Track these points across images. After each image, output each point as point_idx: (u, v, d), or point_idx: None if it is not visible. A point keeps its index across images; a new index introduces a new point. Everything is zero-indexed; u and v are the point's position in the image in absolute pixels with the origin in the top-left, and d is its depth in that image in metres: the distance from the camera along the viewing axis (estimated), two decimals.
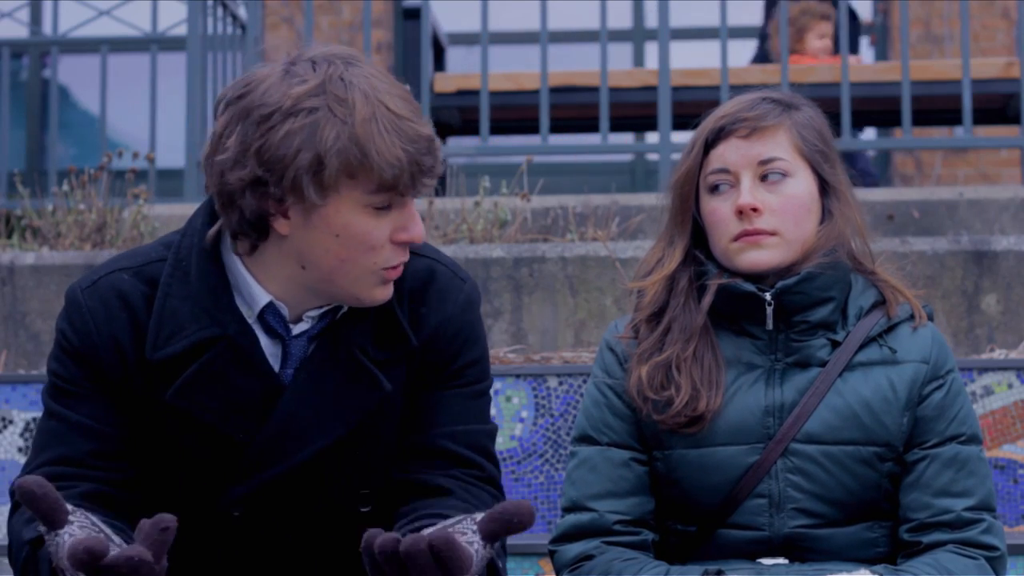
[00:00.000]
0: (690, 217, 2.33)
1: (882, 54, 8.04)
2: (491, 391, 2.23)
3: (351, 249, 1.99)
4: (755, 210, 2.25)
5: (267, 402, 2.06)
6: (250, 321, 2.06)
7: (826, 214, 2.31)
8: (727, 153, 2.29)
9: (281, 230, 2.00)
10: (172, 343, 2.04)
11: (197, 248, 2.07)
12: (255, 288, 2.06)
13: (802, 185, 2.29)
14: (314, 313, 2.08)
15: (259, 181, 1.95)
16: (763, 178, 2.27)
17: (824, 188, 2.32)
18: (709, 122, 2.32)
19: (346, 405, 2.07)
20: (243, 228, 2.00)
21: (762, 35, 7.00)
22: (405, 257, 2.04)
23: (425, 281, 2.14)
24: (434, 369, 2.13)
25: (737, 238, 2.26)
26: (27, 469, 2.08)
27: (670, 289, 2.32)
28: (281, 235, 2.00)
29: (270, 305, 2.06)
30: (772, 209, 2.26)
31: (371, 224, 1.98)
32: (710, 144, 2.30)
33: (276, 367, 2.08)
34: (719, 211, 2.28)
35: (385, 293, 2.06)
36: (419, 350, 2.12)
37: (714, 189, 2.29)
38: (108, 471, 2.06)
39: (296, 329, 2.08)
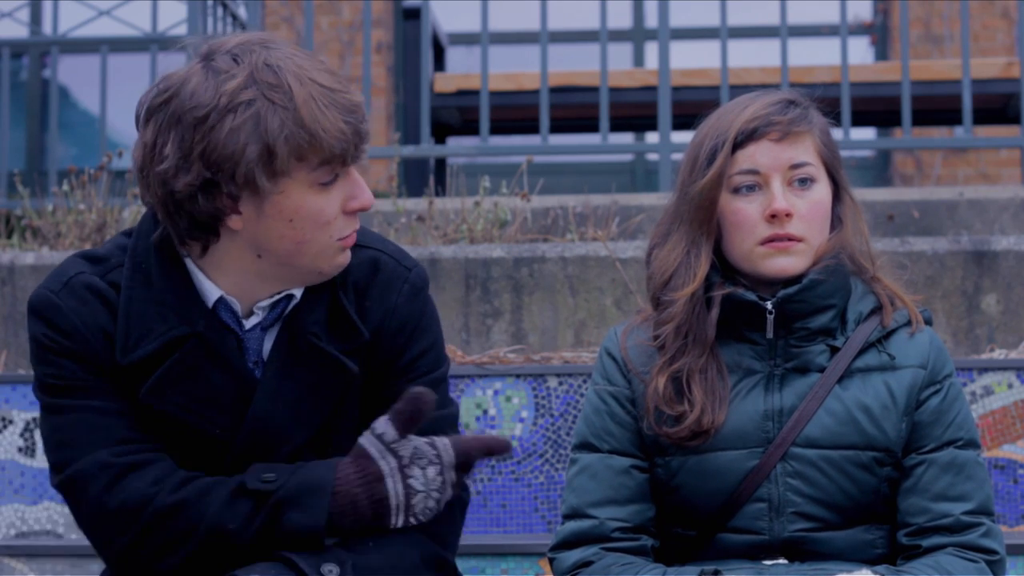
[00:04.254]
0: (716, 221, 2.28)
1: (882, 54, 8.03)
2: (448, 375, 2.22)
3: (307, 230, 2.00)
4: (788, 215, 2.23)
5: (241, 397, 2.06)
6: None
7: (836, 221, 2.30)
8: (757, 154, 2.25)
9: (234, 226, 2.01)
10: (142, 345, 2.04)
11: (155, 251, 2.07)
12: (206, 284, 2.06)
13: (824, 191, 2.28)
14: (265, 303, 2.09)
15: (210, 183, 1.96)
16: (790, 183, 2.26)
17: (837, 194, 2.31)
18: (737, 123, 2.26)
19: (317, 393, 2.08)
20: (193, 232, 2.02)
21: None
22: (357, 225, 2.06)
23: (369, 273, 2.14)
24: (385, 363, 2.14)
25: (765, 242, 2.24)
26: (76, 465, 2.03)
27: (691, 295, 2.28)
28: (233, 231, 2.01)
29: (221, 300, 2.07)
30: (801, 215, 2.24)
31: (322, 201, 2.00)
32: (737, 144, 2.26)
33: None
34: (744, 212, 2.25)
35: (346, 258, 2.08)
36: (368, 344, 2.12)
37: (737, 190, 2.26)
38: (156, 447, 2.06)
39: (248, 323, 2.09)
